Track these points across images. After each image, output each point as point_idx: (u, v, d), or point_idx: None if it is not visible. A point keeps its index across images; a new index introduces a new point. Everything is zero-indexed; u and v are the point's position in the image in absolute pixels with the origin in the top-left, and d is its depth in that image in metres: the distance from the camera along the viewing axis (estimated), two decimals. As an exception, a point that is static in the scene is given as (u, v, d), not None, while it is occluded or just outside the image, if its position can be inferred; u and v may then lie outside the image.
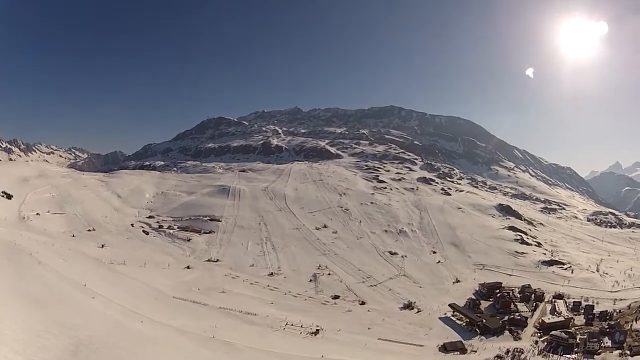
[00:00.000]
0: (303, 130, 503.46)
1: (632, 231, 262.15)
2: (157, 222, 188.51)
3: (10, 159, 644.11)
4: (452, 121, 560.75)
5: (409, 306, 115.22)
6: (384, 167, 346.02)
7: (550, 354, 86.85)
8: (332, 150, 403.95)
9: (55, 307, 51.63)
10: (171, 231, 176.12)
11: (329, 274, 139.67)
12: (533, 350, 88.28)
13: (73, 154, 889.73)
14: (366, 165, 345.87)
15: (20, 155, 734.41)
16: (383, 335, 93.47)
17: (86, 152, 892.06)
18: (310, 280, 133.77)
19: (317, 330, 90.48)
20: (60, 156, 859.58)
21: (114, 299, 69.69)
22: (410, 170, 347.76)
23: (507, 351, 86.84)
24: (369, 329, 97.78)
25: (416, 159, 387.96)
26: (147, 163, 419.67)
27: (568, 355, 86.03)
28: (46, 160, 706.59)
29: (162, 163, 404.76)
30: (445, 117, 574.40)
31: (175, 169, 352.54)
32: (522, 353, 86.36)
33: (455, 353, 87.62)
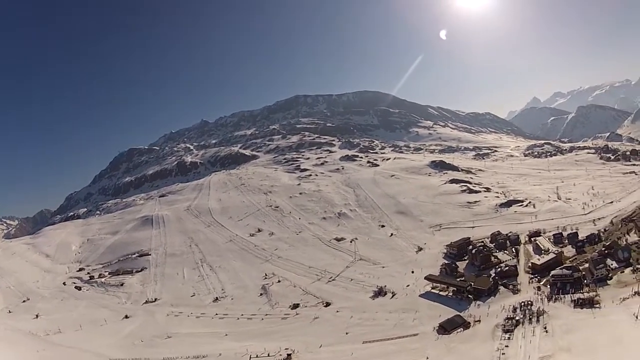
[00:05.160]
0: (214, 141, 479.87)
1: (576, 154, 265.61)
2: (88, 273, 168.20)
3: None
4: (360, 96, 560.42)
5: (380, 292, 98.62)
6: (303, 155, 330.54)
7: (562, 295, 75.34)
8: (247, 152, 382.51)
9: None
10: (102, 279, 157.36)
11: (279, 281, 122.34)
12: (541, 299, 75.77)
13: (4, 224, 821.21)
14: (284, 159, 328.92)
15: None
16: (367, 337, 77.16)
17: (16, 219, 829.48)
18: (261, 294, 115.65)
19: (289, 354, 73.81)
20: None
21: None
22: (330, 152, 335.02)
23: (515, 309, 73.24)
24: (347, 333, 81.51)
25: (333, 140, 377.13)
26: (72, 213, 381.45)
27: (581, 291, 75.28)
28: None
29: (85, 209, 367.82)
30: (352, 93, 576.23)
31: (97, 212, 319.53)
32: (532, 304, 73.40)
33: (459, 330, 71.05)
